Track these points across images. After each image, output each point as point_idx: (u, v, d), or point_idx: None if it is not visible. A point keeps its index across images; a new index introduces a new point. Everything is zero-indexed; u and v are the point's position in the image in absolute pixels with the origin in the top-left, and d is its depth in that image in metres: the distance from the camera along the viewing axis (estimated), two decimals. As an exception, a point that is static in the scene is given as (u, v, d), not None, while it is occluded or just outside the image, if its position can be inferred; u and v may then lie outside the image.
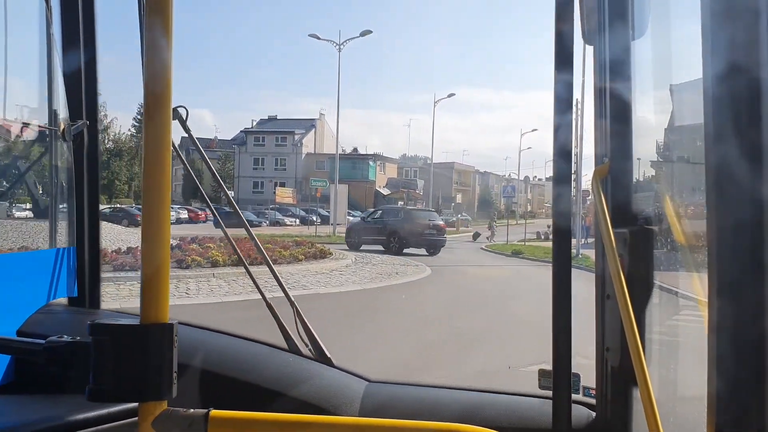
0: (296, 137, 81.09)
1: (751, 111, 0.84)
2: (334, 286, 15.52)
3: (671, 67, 1.52)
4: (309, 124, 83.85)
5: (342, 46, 45.78)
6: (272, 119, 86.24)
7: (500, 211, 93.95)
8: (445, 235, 29.97)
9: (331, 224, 41.86)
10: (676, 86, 1.49)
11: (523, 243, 35.77)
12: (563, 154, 1.30)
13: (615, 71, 1.48)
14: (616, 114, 1.47)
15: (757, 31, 0.83)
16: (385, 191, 78.24)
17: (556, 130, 1.29)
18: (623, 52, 1.49)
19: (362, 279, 17.23)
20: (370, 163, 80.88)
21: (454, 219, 63.41)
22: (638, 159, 1.50)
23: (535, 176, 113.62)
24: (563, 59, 1.28)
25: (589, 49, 1.56)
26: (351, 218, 55.17)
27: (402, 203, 68.58)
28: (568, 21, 1.28)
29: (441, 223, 30.80)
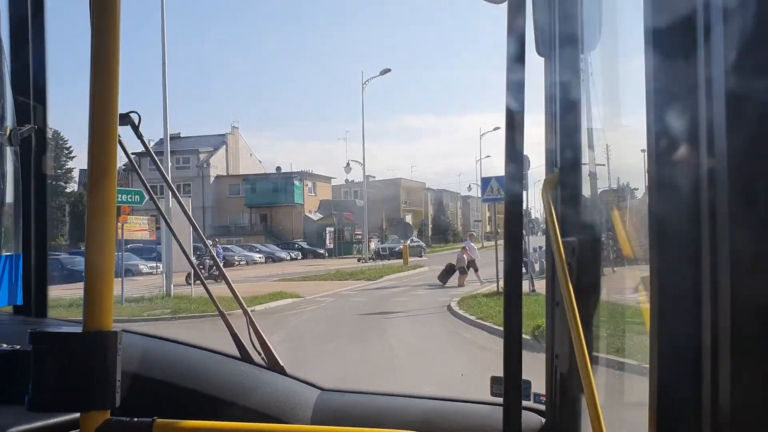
0: (201, 157, 65.95)
1: (688, 120, 0.87)
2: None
3: (619, 79, 1.56)
4: (218, 141, 68.92)
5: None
6: (174, 138, 66.36)
7: (458, 233, 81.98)
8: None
9: (162, 272, 22.56)
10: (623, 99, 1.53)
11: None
12: (515, 165, 1.31)
13: (565, 83, 1.51)
14: (565, 125, 1.50)
15: (694, 41, 0.86)
16: (316, 216, 66.28)
17: (508, 142, 1.30)
18: (573, 64, 1.52)
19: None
20: (295, 182, 66.11)
21: (399, 246, 45.85)
22: (587, 168, 1.53)
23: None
24: (514, 72, 1.30)
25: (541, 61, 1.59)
26: (257, 255, 46.59)
27: (331, 230, 60.08)
28: (519, 34, 1.30)
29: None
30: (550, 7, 1.55)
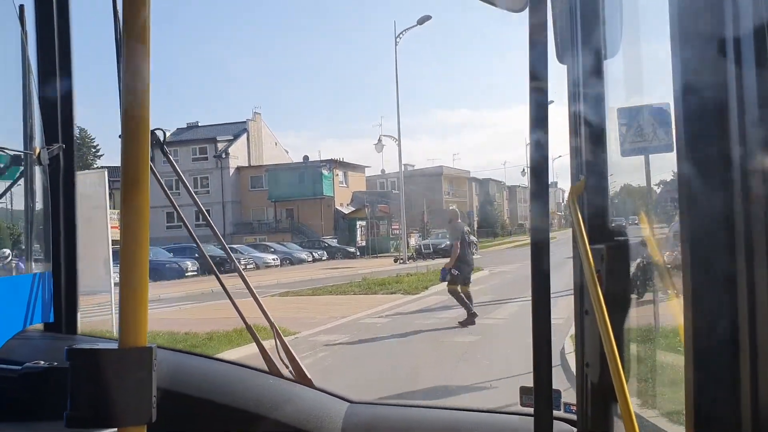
0: (219, 146, 58.18)
1: (718, 126, 0.87)
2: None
3: (642, 85, 1.55)
4: (239, 129, 61.01)
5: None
6: (192, 127, 62.02)
7: (506, 226, 75.88)
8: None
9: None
10: (647, 107, 1.52)
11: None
12: (539, 172, 1.31)
13: (588, 90, 1.51)
14: (590, 132, 1.49)
15: (723, 49, 0.86)
16: (348, 209, 57.00)
17: (533, 148, 1.30)
18: (596, 71, 1.52)
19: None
20: (324, 172, 56.68)
21: (444, 243, 36.19)
22: (612, 175, 1.52)
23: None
24: (538, 80, 1.30)
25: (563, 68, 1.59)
26: (270, 256, 38.74)
27: (363, 224, 51.27)
28: (541, 41, 1.30)
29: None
30: (571, 13, 1.55)
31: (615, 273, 1.38)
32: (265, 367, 1.84)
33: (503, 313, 14.50)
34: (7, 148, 1.96)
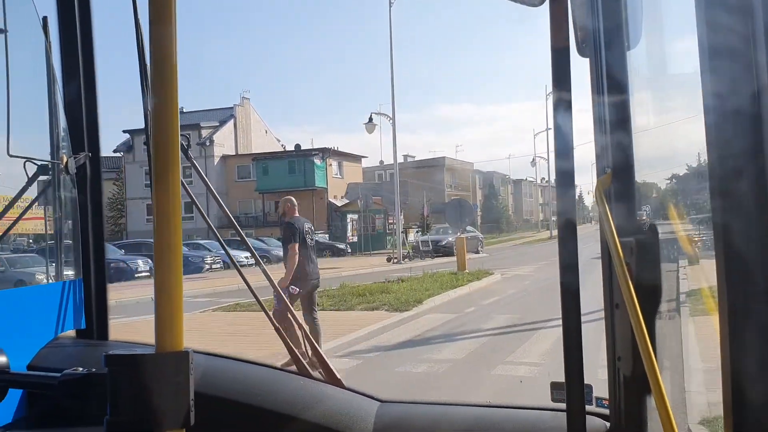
0: (204, 133, 52.81)
1: (749, 114, 0.85)
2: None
3: (667, 75, 1.53)
4: (225, 115, 56.35)
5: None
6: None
7: (512, 222, 72.87)
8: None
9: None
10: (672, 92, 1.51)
11: None
12: (564, 170, 1.31)
13: (612, 82, 1.49)
14: (615, 124, 1.48)
15: (753, 33, 0.85)
16: (342, 202, 52.37)
17: (557, 145, 1.30)
18: (619, 62, 1.50)
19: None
20: (317, 161, 52.42)
21: (447, 239, 35.17)
22: (640, 167, 1.50)
23: (543, 178, 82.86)
24: (560, 73, 1.29)
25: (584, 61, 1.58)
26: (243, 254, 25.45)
27: (354, 218, 46.43)
28: (563, 33, 1.30)
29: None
30: (591, 5, 1.53)
31: (645, 265, 1.37)
32: (295, 369, 1.85)
33: (539, 347, 9.62)
34: (35, 158, 1.99)
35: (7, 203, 1.98)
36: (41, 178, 2.02)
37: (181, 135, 1.83)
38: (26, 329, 1.85)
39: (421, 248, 36.06)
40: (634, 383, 1.43)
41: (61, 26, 2.07)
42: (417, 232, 44.44)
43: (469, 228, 35.71)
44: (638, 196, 1.48)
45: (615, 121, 1.48)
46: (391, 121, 33.11)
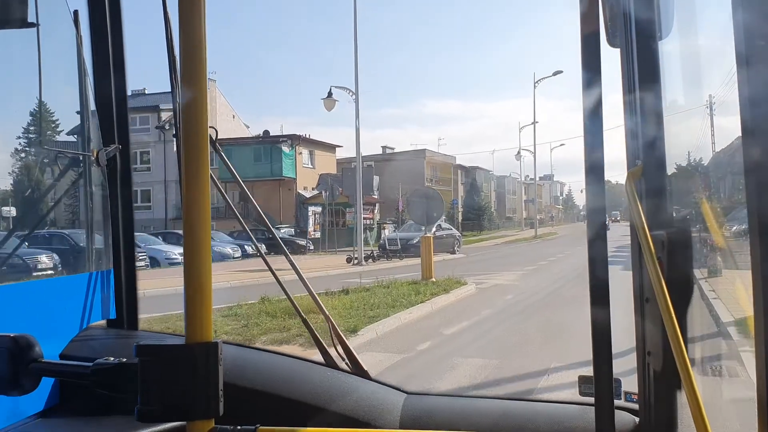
0: (163, 116, 46.74)
1: None
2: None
3: (701, 65, 1.51)
4: None
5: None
6: (138, 95, 48.81)
7: (494, 219, 69.80)
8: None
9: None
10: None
11: None
12: (594, 159, 1.28)
13: (644, 73, 1.47)
14: (646, 116, 1.45)
15: None
16: (310, 194, 46.55)
17: (587, 134, 1.28)
18: (651, 52, 1.48)
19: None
20: (284, 149, 47.38)
21: (418, 237, 24.51)
22: (672, 160, 1.48)
23: (527, 176, 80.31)
24: (591, 64, 1.27)
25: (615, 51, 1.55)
26: (178, 251, 26.47)
27: (317, 210, 40.15)
28: (593, 24, 1.28)
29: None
30: None
31: (677, 260, 1.35)
32: (322, 360, 1.86)
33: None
34: (67, 151, 2.02)
35: (39, 195, 2.02)
36: (72, 169, 2.05)
37: (210, 127, 1.85)
38: (58, 319, 1.89)
39: (387, 246, 31.46)
40: (664, 378, 1.41)
41: (92, 20, 2.09)
42: (393, 228, 41.27)
43: (444, 225, 33.57)
44: (669, 188, 1.46)
45: (647, 113, 1.46)
46: (354, 96, 27.71)
